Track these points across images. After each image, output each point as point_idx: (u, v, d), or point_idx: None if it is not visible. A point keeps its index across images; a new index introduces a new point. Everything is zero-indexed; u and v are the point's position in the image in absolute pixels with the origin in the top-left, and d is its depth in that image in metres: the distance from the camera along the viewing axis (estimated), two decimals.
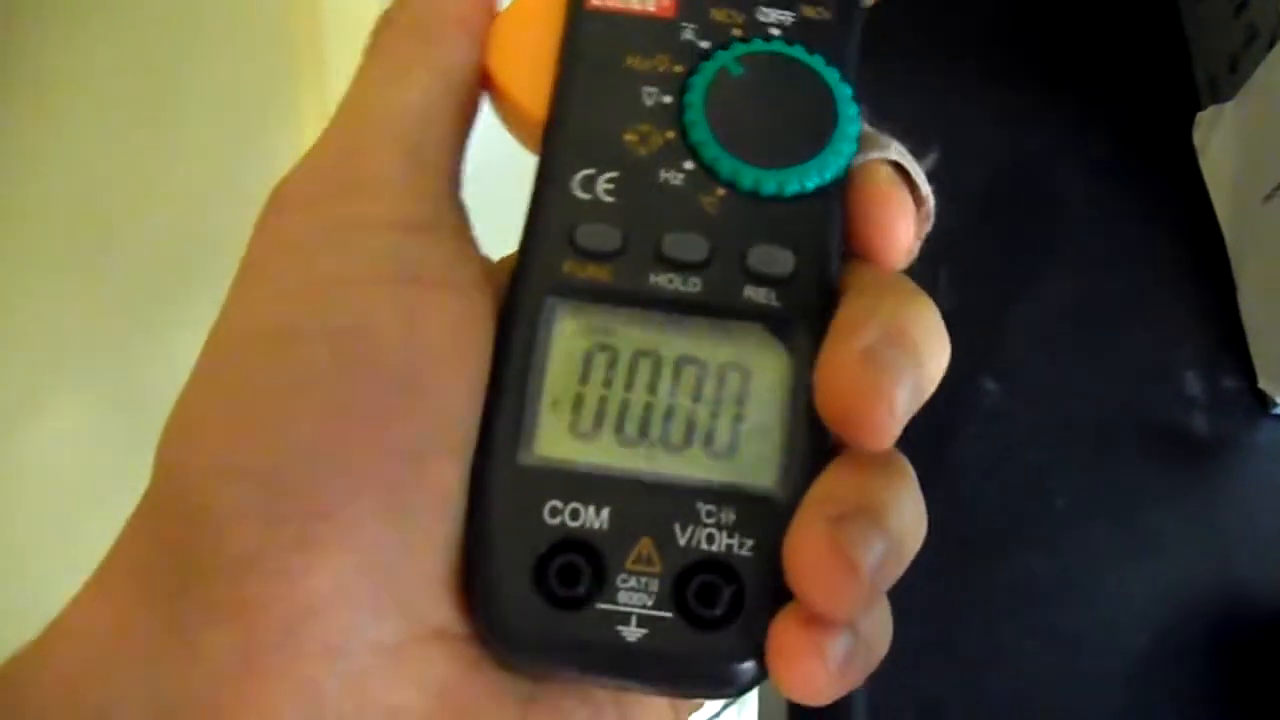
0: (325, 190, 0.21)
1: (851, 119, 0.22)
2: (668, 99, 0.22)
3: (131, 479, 0.37)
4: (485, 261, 0.23)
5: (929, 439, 0.37)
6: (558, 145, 0.22)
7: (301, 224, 0.21)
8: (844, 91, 0.23)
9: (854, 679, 0.20)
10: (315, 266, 0.20)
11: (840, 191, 0.22)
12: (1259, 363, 0.54)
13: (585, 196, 0.22)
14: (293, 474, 0.19)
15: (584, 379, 0.21)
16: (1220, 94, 0.61)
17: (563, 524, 0.20)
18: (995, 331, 0.55)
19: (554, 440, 0.21)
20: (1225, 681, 0.47)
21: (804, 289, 0.21)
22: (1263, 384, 0.53)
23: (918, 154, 0.23)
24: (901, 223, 0.22)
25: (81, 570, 0.35)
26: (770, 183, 0.22)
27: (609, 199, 0.22)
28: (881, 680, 0.22)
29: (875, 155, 0.23)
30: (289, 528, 0.18)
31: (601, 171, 0.22)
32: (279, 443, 0.19)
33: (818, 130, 0.22)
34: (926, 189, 0.23)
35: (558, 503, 0.20)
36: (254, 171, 0.41)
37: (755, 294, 0.21)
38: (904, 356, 0.20)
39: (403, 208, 0.21)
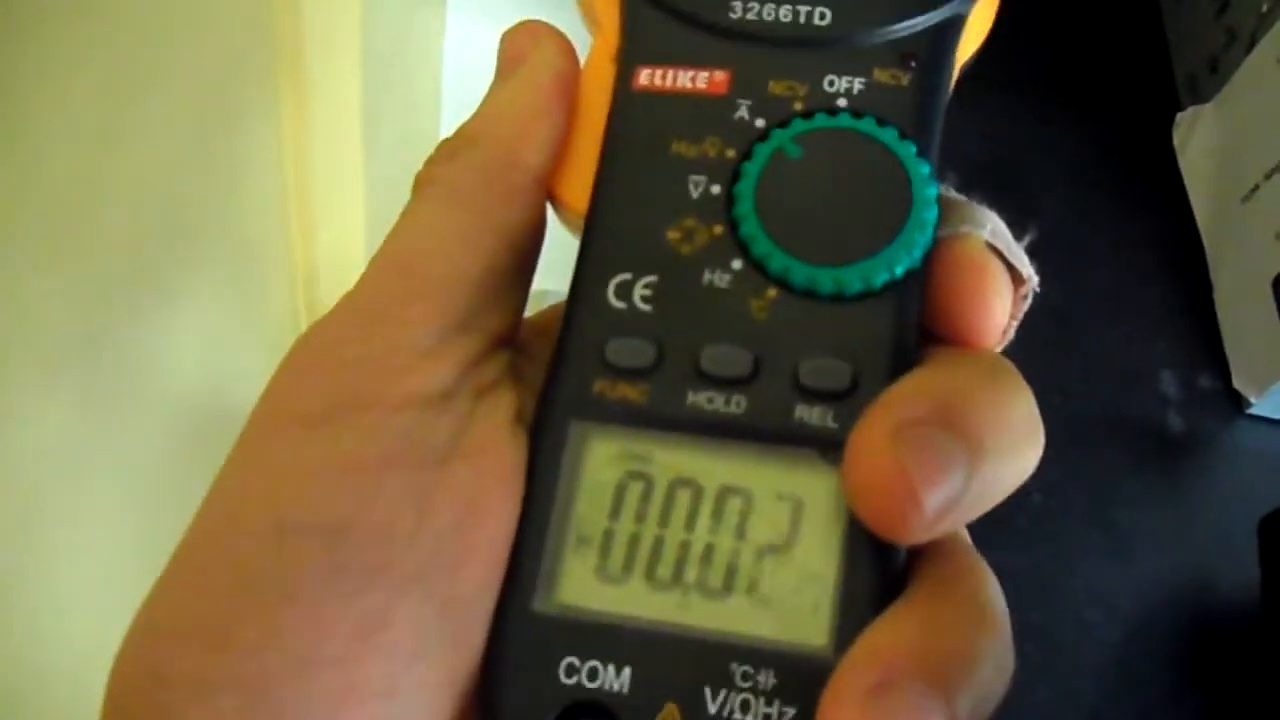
0: (352, 355, 0.19)
1: (928, 202, 0.19)
2: (716, 189, 0.20)
3: (112, 474, 0.37)
4: (520, 386, 0.21)
5: None
6: (595, 246, 0.20)
7: (318, 393, 0.19)
8: (920, 170, 0.19)
9: None
10: (323, 448, 0.18)
11: (914, 286, 0.19)
12: (1234, 363, 0.54)
13: (620, 305, 0.20)
14: (282, 687, 0.17)
15: (615, 513, 0.19)
16: (1200, 94, 0.61)
17: (579, 684, 0.18)
18: None
19: (577, 585, 0.18)
20: (1196, 678, 0.47)
21: (865, 406, 0.18)
22: (1238, 384, 0.54)
23: (1015, 233, 0.21)
24: (995, 302, 0.20)
25: (62, 567, 0.35)
26: (827, 281, 0.19)
27: (645, 307, 0.19)
28: None
29: (967, 229, 0.20)
30: None
31: (639, 276, 0.20)
32: (267, 652, 0.17)
33: (887, 218, 0.19)
34: (1029, 270, 0.20)
35: (575, 660, 0.18)
36: (233, 162, 0.40)
37: (808, 414, 0.19)
38: (953, 442, 0.17)
39: (429, 380, 0.19)
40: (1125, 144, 0.62)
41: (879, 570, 0.18)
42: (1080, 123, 0.62)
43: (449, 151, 0.21)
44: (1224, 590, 0.49)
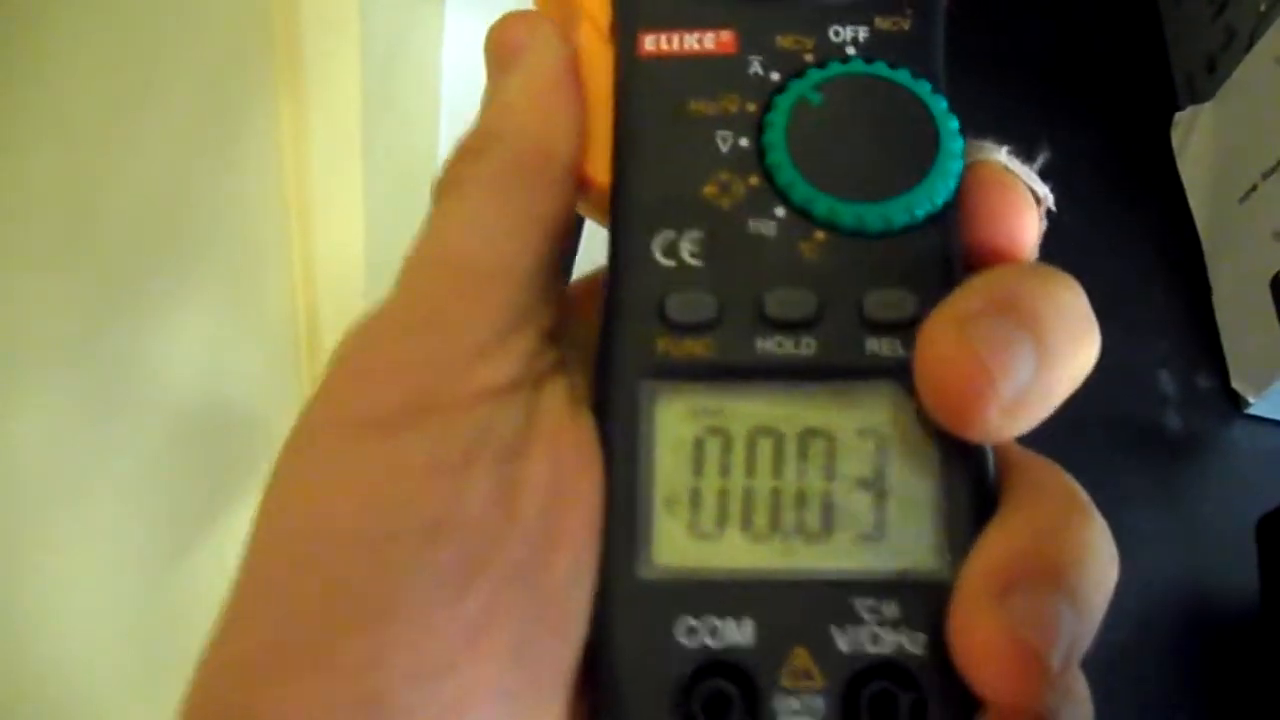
0: (414, 355, 0.18)
1: (953, 134, 0.20)
2: (745, 141, 0.20)
3: (111, 474, 0.37)
4: (577, 368, 0.20)
5: None
6: (629, 210, 0.20)
7: (385, 397, 0.18)
8: (939, 104, 0.20)
9: None
10: (405, 451, 0.17)
11: (953, 213, 0.20)
12: (1233, 362, 0.54)
13: (670, 263, 0.19)
14: (397, 705, 0.16)
15: (698, 470, 0.18)
16: (1198, 95, 0.61)
17: (702, 645, 0.17)
18: None
19: (674, 546, 0.18)
20: (1195, 676, 0.47)
21: None
22: (1236, 383, 0.54)
23: (1025, 158, 0.21)
24: (1025, 216, 0.20)
25: (60, 568, 0.35)
26: (875, 218, 0.19)
27: (696, 262, 0.19)
28: None
29: (984, 156, 0.21)
30: None
31: (684, 232, 0.20)
32: (378, 669, 0.16)
33: (918, 151, 0.20)
34: (1044, 190, 0.21)
35: (692, 620, 0.17)
36: (232, 164, 0.40)
37: (879, 346, 0.19)
38: (1018, 328, 0.17)
39: (495, 374, 0.18)
40: (1123, 144, 0.62)
41: (974, 485, 0.18)
42: (1078, 122, 0.62)
43: (474, 149, 0.21)
44: (1222, 590, 0.49)
